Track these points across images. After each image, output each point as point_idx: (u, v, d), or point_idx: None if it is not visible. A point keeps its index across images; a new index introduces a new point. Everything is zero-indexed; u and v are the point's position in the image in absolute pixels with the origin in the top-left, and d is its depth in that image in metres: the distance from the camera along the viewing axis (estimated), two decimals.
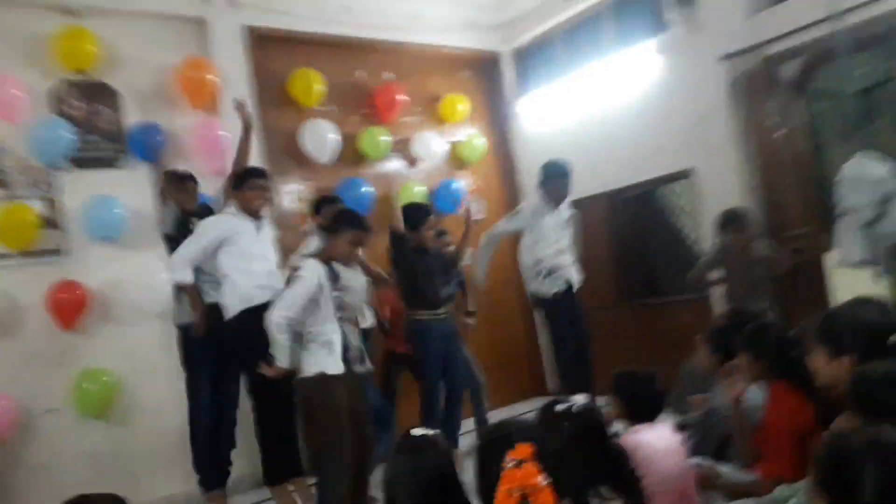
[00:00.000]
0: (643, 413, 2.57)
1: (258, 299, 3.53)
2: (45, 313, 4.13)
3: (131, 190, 4.63)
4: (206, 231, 3.73)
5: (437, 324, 4.40)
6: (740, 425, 2.67)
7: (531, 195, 5.15)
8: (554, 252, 4.71)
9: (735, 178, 4.94)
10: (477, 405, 5.00)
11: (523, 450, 1.46)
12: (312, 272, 3.22)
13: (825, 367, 2.05)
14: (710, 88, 5.04)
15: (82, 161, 4.51)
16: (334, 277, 3.31)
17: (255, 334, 3.28)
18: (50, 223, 4.32)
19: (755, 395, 2.69)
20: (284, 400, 3.43)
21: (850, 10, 4.15)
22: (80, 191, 4.43)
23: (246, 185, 3.75)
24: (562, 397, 2.17)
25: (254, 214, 3.73)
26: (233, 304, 3.61)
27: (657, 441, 2.51)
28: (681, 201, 5.73)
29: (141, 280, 4.47)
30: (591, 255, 5.98)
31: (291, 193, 5.40)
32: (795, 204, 4.74)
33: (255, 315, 3.39)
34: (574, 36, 6.21)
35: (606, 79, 5.80)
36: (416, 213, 4.51)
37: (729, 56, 4.88)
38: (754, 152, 4.80)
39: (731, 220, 4.54)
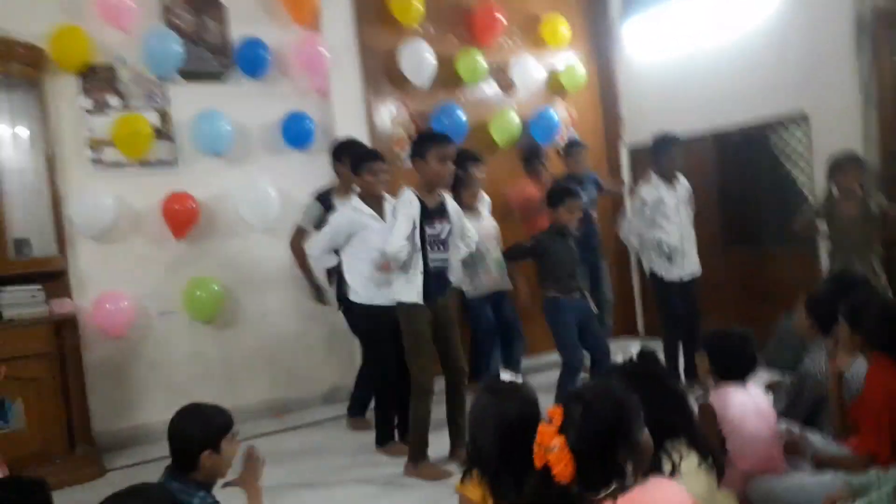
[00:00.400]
0: (735, 373, 2.58)
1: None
2: (160, 221, 4.39)
3: (237, 104, 4.76)
4: (334, 224, 3.86)
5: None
6: (838, 396, 2.65)
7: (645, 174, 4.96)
8: (676, 235, 4.57)
9: (853, 125, 4.62)
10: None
11: (555, 410, 1.50)
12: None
13: None
14: (834, 25, 4.66)
15: (190, 74, 4.65)
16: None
17: None
18: (162, 135, 4.52)
19: (858, 365, 2.65)
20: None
21: None
22: (189, 103, 4.59)
23: (364, 168, 3.79)
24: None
25: (376, 197, 3.81)
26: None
27: (747, 402, 2.53)
28: (793, 146, 5.45)
29: (245, 194, 4.67)
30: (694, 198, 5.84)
31: (388, 115, 5.41)
32: None
33: None
34: None
35: (718, 8, 5.44)
36: (557, 194, 4.17)
37: None
38: (877, 98, 4.47)
39: (841, 166, 4.24)
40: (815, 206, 4.51)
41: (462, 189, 4.38)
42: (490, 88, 5.86)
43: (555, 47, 6.07)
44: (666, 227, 4.56)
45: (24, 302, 3.69)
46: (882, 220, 4.19)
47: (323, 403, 4.91)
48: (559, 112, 6.09)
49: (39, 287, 3.78)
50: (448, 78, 5.59)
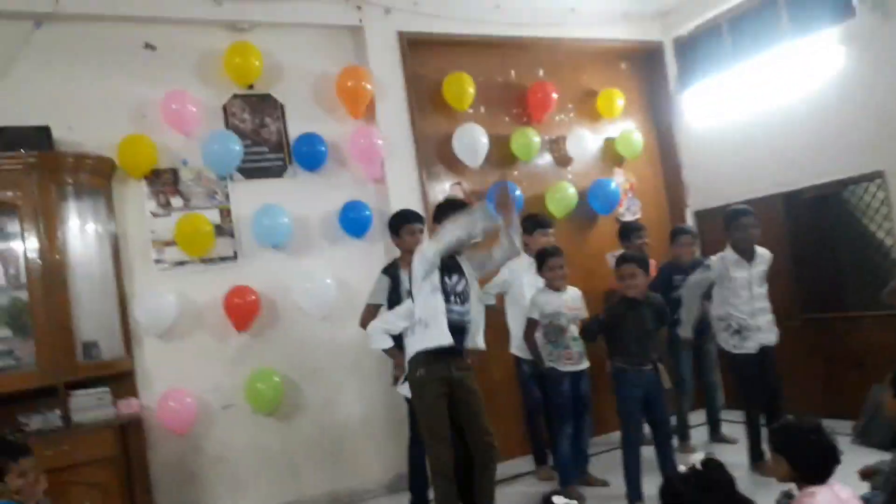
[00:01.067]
0: (813, 471, 2.33)
1: None
2: (222, 315, 4.46)
3: (295, 198, 4.86)
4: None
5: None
6: None
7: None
8: (747, 310, 4.26)
9: None
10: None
11: None
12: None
13: None
14: None
15: (250, 171, 4.81)
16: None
17: None
18: (224, 231, 4.65)
19: None
20: None
21: None
22: (250, 200, 4.72)
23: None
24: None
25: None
26: None
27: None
28: (871, 202, 5.15)
29: (304, 285, 4.72)
30: None
31: (443, 192, 5.44)
32: None
33: None
34: (743, 23, 5.72)
35: (780, 70, 5.30)
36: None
37: None
38: None
39: None
40: None
41: (544, 262, 4.32)
42: (545, 162, 5.85)
43: (610, 118, 6.04)
44: (732, 303, 4.29)
45: (91, 405, 3.76)
46: None
47: (387, 493, 4.77)
48: (618, 181, 6.00)
49: (106, 389, 3.85)
50: (503, 155, 5.63)
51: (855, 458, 3.03)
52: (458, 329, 3.35)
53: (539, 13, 5.69)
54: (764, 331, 4.30)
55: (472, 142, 5.34)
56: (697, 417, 5.23)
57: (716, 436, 5.08)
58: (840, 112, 4.91)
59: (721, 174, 5.86)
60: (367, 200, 5.02)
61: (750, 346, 4.27)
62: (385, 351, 3.73)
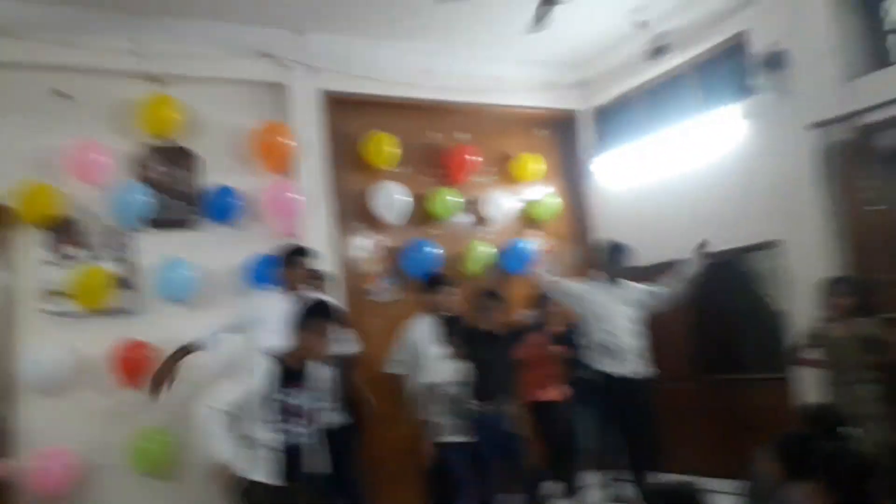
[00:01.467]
0: None
1: None
2: (110, 370, 4.30)
3: (204, 250, 4.79)
4: None
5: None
6: None
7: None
8: (617, 332, 4.40)
9: (824, 254, 4.53)
10: None
11: None
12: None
13: None
14: (799, 157, 4.68)
15: (159, 222, 4.74)
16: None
17: None
18: (124, 283, 4.54)
19: None
20: None
21: None
22: (156, 251, 4.64)
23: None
24: None
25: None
26: None
27: None
28: (766, 270, 5.33)
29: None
30: (665, 325, 5.69)
31: (362, 253, 5.44)
32: (892, 286, 4.28)
33: None
34: (656, 96, 5.98)
35: (688, 142, 5.53)
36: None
37: (820, 124, 4.52)
38: (846, 227, 4.39)
39: (832, 287, 4.06)
40: (808, 331, 4.23)
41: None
42: (463, 222, 5.91)
43: (529, 182, 6.18)
44: (600, 326, 4.43)
45: None
46: (878, 344, 3.89)
47: None
48: (534, 242, 6.09)
49: None
50: (422, 214, 5.67)
51: None
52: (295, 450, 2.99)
53: (466, 80, 5.83)
54: (631, 354, 4.44)
55: (392, 199, 5.39)
56: None
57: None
58: (742, 182, 5.12)
59: (632, 238, 5.95)
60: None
61: (615, 366, 4.38)
62: None
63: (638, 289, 4.57)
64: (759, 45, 4.94)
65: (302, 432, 3.02)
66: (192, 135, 4.96)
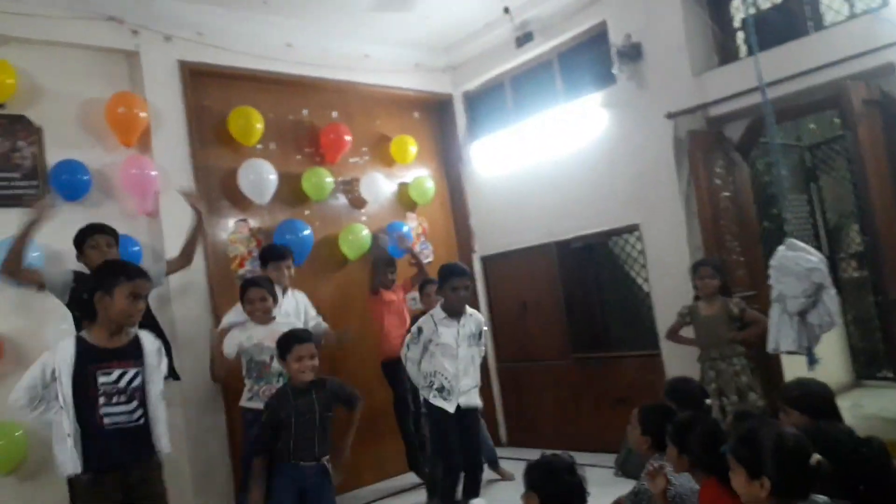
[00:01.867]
0: None
1: None
2: None
3: (50, 229, 4.33)
4: None
5: None
6: None
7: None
8: (450, 372, 3.99)
9: (681, 237, 4.88)
10: None
11: None
12: None
13: (745, 487, 1.94)
14: (656, 145, 5.00)
15: None
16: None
17: None
18: None
19: (686, 480, 2.60)
20: None
21: (777, 82, 4.19)
22: None
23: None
24: None
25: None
26: None
27: None
28: (631, 252, 5.68)
29: (60, 326, 4.16)
30: (538, 306, 5.94)
31: (226, 234, 5.18)
32: (741, 266, 4.69)
33: None
34: (523, 83, 6.16)
35: (553, 129, 5.74)
36: None
37: (674, 114, 4.85)
38: (700, 211, 4.75)
39: (697, 268, 4.37)
40: (680, 311, 4.53)
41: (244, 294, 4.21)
42: (338, 203, 5.80)
43: (404, 164, 6.16)
44: (436, 362, 4.03)
45: None
46: (741, 320, 4.26)
47: None
48: (411, 224, 6.10)
49: None
50: (294, 194, 5.49)
51: (616, 488, 3.33)
52: (124, 436, 2.76)
53: (331, 56, 5.68)
54: (466, 393, 4.07)
55: (260, 178, 5.15)
56: None
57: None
58: (603, 169, 5.40)
59: (503, 222, 6.19)
60: (136, 236, 4.63)
61: (449, 404, 4.00)
62: None
63: None
64: (616, 36, 5.20)
65: (128, 411, 2.77)
66: (32, 103, 4.45)
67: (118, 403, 2.73)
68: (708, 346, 4.30)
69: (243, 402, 4.15)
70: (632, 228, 5.34)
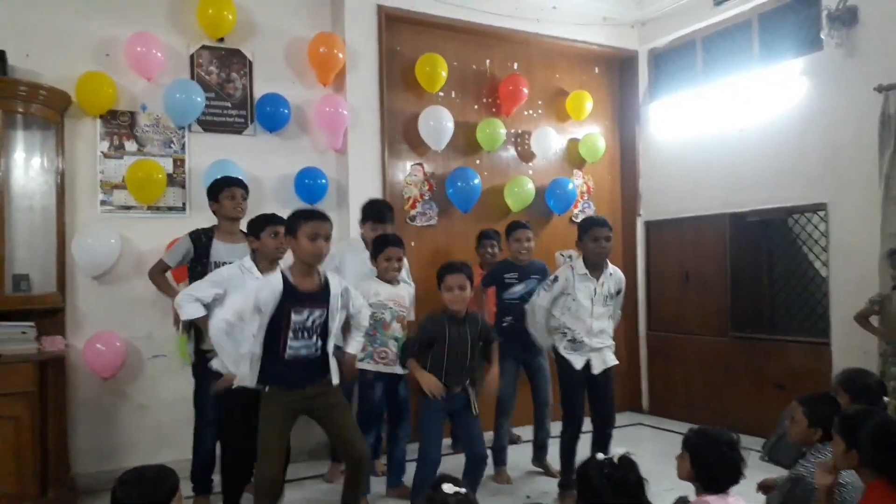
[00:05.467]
0: (717, 480, 2.42)
1: None
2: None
3: (252, 157, 4.83)
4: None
5: None
6: None
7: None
8: (583, 329, 3.89)
9: (874, 222, 4.50)
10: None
11: None
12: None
13: None
14: (859, 120, 4.61)
15: (210, 124, 4.76)
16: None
17: None
18: (175, 181, 4.61)
19: (855, 477, 2.49)
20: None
21: None
22: (205, 153, 4.68)
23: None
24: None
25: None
26: None
27: None
28: (812, 233, 5.33)
29: None
30: (701, 278, 5.76)
31: (404, 175, 5.46)
32: None
33: None
34: (716, 44, 5.84)
35: (744, 94, 5.41)
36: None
37: (888, 87, 4.43)
38: None
39: (892, 258, 4.08)
40: (873, 299, 4.25)
41: (380, 251, 3.95)
42: (508, 154, 5.90)
43: (578, 120, 6.11)
44: (570, 317, 3.92)
45: (14, 338, 3.68)
46: None
47: (309, 459, 4.78)
48: (576, 182, 6.09)
49: (32, 324, 3.78)
50: (467, 143, 5.65)
51: (760, 472, 3.17)
52: (303, 364, 3.03)
53: (522, 5, 5.71)
54: (599, 351, 3.95)
55: (439, 125, 5.34)
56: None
57: (538, 461, 4.62)
58: (794, 142, 5.06)
59: (674, 188, 6.00)
60: (324, 169, 5.01)
61: (579, 361, 3.91)
62: (196, 321, 3.48)
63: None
64: None
65: (309, 346, 3.04)
66: (246, 38, 4.92)
67: (301, 338, 3.03)
68: (893, 340, 4.00)
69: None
70: (817, 207, 5.00)
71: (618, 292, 4.05)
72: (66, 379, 4.10)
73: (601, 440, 3.92)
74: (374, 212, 4.24)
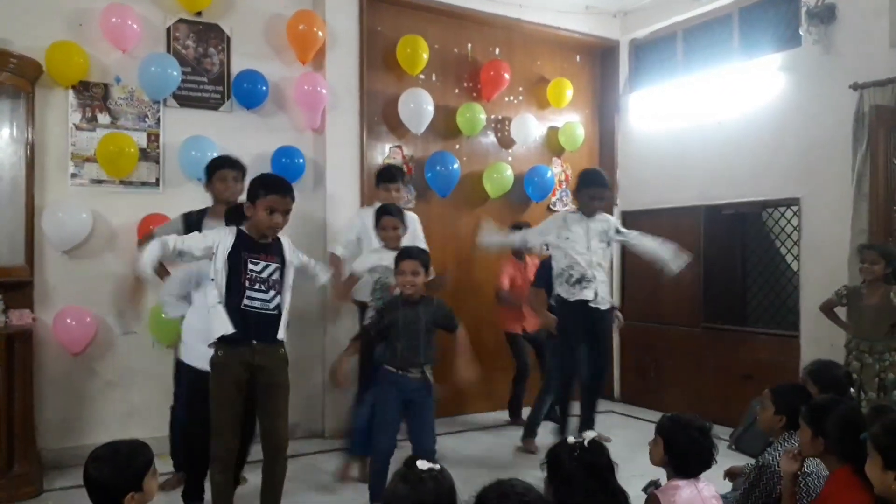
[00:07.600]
0: (689, 466, 2.45)
1: None
2: (135, 241, 4.31)
3: (228, 134, 4.76)
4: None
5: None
6: (790, 496, 2.52)
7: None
8: (584, 262, 4.30)
9: (845, 217, 4.58)
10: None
11: None
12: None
13: (879, 477, 1.90)
14: (834, 116, 4.67)
15: (186, 99, 4.68)
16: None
17: None
18: (148, 156, 4.52)
19: (819, 466, 2.55)
20: None
21: None
22: (180, 128, 4.60)
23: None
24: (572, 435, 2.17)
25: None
26: None
27: (695, 500, 2.40)
28: (785, 227, 5.41)
29: None
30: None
31: (382, 157, 5.42)
32: None
33: None
34: (696, 37, 5.88)
35: (723, 88, 5.46)
36: None
37: (862, 85, 4.49)
38: (872, 193, 4.43)
39: (864, 253, 4.14)
40: (839, 291, 4.33)
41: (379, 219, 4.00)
42: (487, 140, 5.88)
43: (557, 108, 6.12)
44: (572, 255, 4.33)
45: None
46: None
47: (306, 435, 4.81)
48: (555, 170, 6.10)
49: None
50: (447, 127, 5.63)
51: (728, 460, 3.26)
52: (258, 318, 3.01)
53: None
54: (601, 283, 4.35)
55: (419, 108, 5.31)
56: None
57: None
58: (771, 136, 5.12)
59: (651, 178, 6.05)
60: (302, 148, 4.96)
61: (587, 293, 4.30)
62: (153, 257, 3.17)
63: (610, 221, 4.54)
64: None
65: (269, 299, 3.04)
66: (225, 13, 4.83)
67: (259, 290, 3.03)
68: (860, 335, 4.09)
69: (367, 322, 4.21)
70: (791, 202, 5.08)
71: (616, 231, 4.50)
72: (34, 353, 4.02)
73: (596, 375, 4.47)
74: (383, 171, 4.43)
